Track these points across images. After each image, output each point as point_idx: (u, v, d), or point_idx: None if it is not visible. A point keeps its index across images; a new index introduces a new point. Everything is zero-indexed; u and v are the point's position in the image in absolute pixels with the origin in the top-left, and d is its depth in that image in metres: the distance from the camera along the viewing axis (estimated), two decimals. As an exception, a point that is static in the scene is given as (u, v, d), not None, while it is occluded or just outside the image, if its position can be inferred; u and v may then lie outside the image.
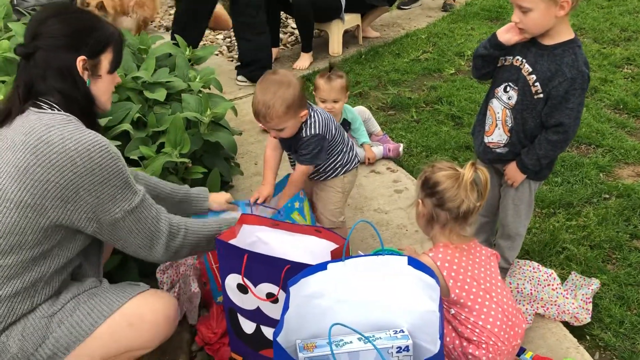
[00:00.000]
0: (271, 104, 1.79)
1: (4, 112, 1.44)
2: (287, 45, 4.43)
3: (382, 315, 1.39)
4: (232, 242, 1.61)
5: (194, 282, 1.87)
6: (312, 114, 1.93)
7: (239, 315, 1.67)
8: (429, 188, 1.59)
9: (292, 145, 2.00)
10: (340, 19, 4.06)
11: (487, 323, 1.53)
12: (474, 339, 1.53)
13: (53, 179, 1.32)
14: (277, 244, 1.64)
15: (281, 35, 4.39)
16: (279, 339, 1.24)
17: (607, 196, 2.59)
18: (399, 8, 5.12)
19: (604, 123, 3.20)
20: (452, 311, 1.57)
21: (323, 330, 1.31)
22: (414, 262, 1.40)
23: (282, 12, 4.19)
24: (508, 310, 1.58)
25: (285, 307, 1.32)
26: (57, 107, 1.41)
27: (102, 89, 1.52)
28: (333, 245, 1.59)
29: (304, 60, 4.01)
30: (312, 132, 1.92)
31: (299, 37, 4.26)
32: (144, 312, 1.50)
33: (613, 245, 2.29)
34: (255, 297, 1.55)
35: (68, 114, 1.41)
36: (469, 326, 1.54)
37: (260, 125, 2.42)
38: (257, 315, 1.62)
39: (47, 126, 1.35)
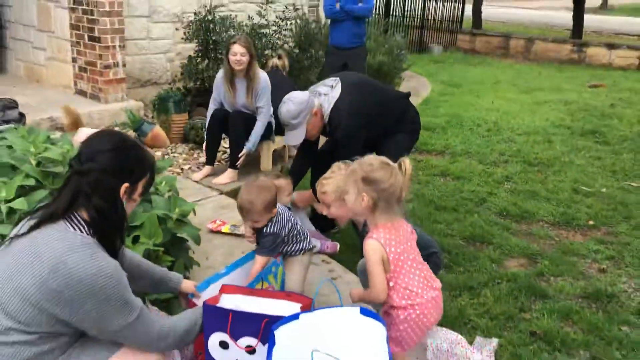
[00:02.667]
0: (254, 203, 2.29)
1: (47, 215, 1.67)
2: (222, 161, 4.95)
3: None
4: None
5: (178, 357, 2.16)
6: (278, 211, 2.44)
7: (219, 370, 2.00)
8: (370, 183, 2.03)
9: (257, 238, 2.48)
10: (271, 140, 4.68)
11: (414, 287, 2.05)
12: (403, 303, 2.03)
13: (65, 292, 1.59)
14: (254, 307, 2.04)
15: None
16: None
17: (500, 281, 3.20)
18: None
19: (492, 226, 3.92)
20: (391, 283, 2.04)
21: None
22: (365, 312, 1.86)
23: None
24: (427, 275, 2.12)
25: (270, 347, 1.71)
26: (85, 226, 1.66)
27: (131, 208, 1.82)
28: (302, 300, 2.02)
29: (225, 177, 4.34)
30: (271, 230, 2.42)
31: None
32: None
33: (507, 316, 2.86)
34: (238, 347, 1.92)
35: (88, 237, 1.66)
36: (401, 290, 2.04)
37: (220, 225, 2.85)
38: (235, 368, 1.97)
39: (67, 248, 1.61)
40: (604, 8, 26.68)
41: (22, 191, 2.40)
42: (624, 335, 2.75)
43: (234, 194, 4.05)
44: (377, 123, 3.35)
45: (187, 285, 2.28)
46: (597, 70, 11.42)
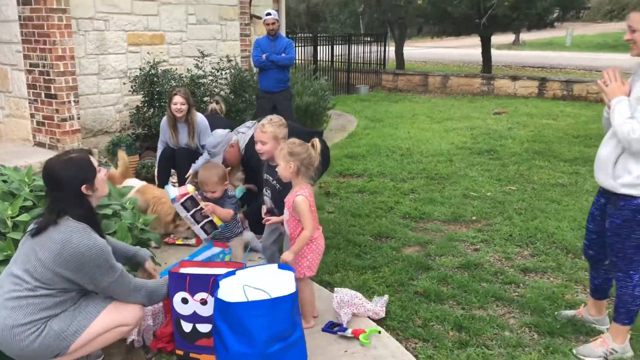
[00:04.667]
0: (209, 176, 3.35)
1: (43, 224, 2.45)
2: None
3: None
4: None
5: (150, 319, 2.97)
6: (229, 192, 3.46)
7: (181, 320, 2.82)
8: (293, 155, 3.00)
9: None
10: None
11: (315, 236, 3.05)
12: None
13: (71, 260, 2.40)
14: (204, 272, 2.87)
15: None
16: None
17: (397, 262, 4.14)
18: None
19: (395, 226, 4.89)
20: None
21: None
22: (281, 266, 2.73)
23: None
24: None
25: (216, 290, 2.56)
26: (76, 218, 2.46)
27: (100, 190, 2.67)
28: (237, 265, 2.89)
29: None
30: (230, 194, 3.43)
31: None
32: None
33: (399, 284, 3.79)
34: (194, 301, 2.75)
35: (82, 224, 2.46)
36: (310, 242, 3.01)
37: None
38: (193, 317, 2.79)
39: (70, 231, 2.42)
40: (516, 44, 29.18)
41: (23, 210, 3.18)
42: (482, 288, 3.73)
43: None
44: None
45: (149, 264, 3.09)
46: (502, 99, 12.92)
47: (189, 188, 3.52)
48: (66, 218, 2.46)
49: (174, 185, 4.33)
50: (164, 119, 5.26)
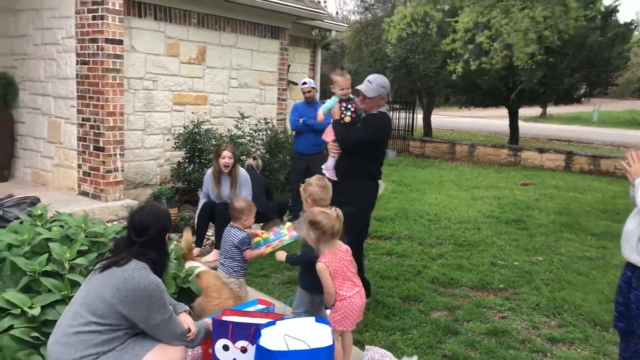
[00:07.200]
0: (242, 206, 3.93)
1: (111, 263, 2.70)
2: (206, 245, 5.98)
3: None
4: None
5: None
6: None
7: (221, 367, 2.96)
8: (313, 224, 3.15)
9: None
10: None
11: (344, 290, 3.14)
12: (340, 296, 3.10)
13: (129, 295, 2.62)
14: (245, 321, 3.04)
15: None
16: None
17: (425, 325, 4.23)
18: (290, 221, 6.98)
19: (424, 290, 4.99)
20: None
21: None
22: (318, 319, 2.89)
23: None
24: (353, 278, 3.19)
25: (257, 338, 2.72)
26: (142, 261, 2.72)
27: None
28: (277, 316, 3.04)
29: (211, 256, 5.40)
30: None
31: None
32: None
33: (427, 346, 3.88)
34: (235, 348, 2.90)
35: (143, 263, 2.69)
36: (338, 292, 3.09)
37: None
38: (233, 364, 2.94)
39: (133, 270, 2.66)
40: (543, 117, 29.54)
41: (79, 254, 3.41)
42: (510, 355, 3.79)
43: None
44: None
45: (183, 316, 3.25)
46: (529, 171, 13.06)
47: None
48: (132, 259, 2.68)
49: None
50: (209, 171, 5.59)
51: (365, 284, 4.66)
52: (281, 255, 3.59)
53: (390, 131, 4.34)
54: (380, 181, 4.55)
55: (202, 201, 5.57)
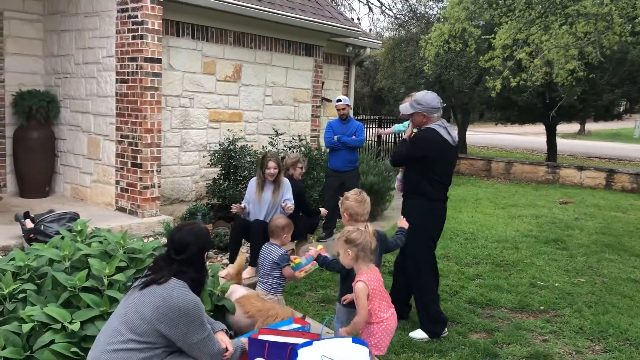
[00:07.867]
0: (279, 224, 3.57)
1: (150, 281, 2.71)
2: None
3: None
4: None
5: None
6: None
7: (258, 385, 2.93)
8: (350, 242, 3.09)
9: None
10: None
11: (380, 311, 3.06)
12: (376, 320, 3.04)
13: (169, 313, 2.62)
14: (281, 340, 3.00)
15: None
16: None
17: (463, 347, 4.13)
18: (318, 240, 6.95)
19: (461, 310, 4.88)
20: (369, 306, 3.04)
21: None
22: (355, 340, 2.83)
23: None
24: (387, 299, 3.12)
25: (294, 358, 2.68)
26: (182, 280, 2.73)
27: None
28: (313, 336, 3.00)
29: (246, 273, 5.39)
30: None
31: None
32: None
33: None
34: (271, 368, 2.87)
35: (183, 282, 2.70)
36: (374, 313, 3.03)
37: None
38: (269, 383, 2.90)
39: (172, 288, 2.67)
40: (581, 133, 28.92)
41: (117, 270, 3.45)
42: (553, 380, 3.66)
43: (253, 285, 5.06)
44: None
45: (220, 335, 3.23)
46: (568, 189, 12.75)
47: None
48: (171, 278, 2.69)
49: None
50: (254, 178, 5.69)
51: (407, 307, 4.62)
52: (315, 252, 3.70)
53: (439, 148, 4.24)
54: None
55: (244, 204, 5.65)
